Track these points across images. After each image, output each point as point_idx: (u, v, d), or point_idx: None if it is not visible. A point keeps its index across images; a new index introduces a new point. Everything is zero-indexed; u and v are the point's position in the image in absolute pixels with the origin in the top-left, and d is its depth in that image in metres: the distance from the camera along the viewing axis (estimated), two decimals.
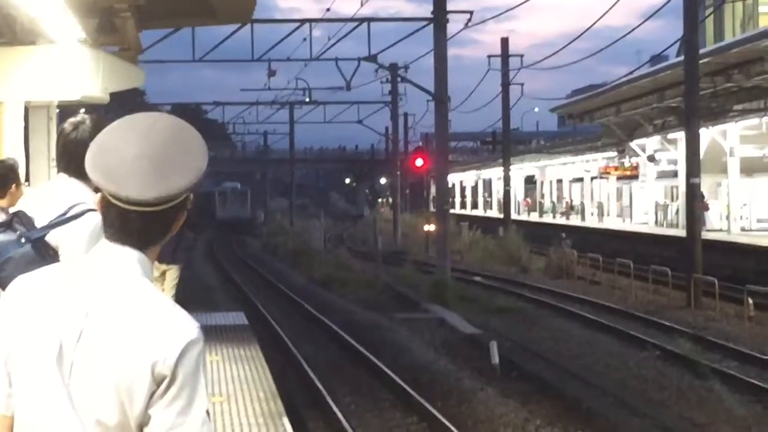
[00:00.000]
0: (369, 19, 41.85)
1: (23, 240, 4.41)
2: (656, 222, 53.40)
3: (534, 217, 75.73)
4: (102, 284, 2.47)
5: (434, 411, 15.87)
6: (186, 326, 2.44)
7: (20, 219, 4.49)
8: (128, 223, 2.48)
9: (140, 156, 2.44)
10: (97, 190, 2.53)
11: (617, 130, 56.58)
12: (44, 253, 4.39)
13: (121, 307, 2.44)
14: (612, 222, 60.62)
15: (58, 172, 4.73)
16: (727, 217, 45.09)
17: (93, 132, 4.54)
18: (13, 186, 6.25)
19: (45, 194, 4.74)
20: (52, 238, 4.44)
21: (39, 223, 4.48)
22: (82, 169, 4.54)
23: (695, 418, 16.50)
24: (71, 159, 4.60)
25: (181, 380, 2.40)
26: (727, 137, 44.10)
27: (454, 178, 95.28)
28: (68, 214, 4.46)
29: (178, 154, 2.48)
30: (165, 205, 2.48)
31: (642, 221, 55.92)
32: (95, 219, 4.40)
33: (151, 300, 2.47)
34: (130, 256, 2.50)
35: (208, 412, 2.45)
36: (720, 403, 17.39)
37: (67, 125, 4.67)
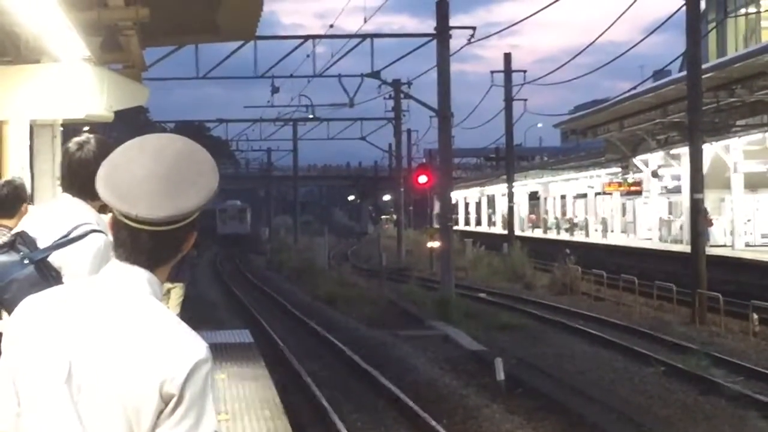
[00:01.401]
0: (372, 36, 41.98)
1: (26, 261, 4.39)
2: (660, 238, 53.37)
3: (538, 233, 75.70)
4: (112, 303, 2.47)
5: (439, 428, 15.83)
6: (194, 346, 2.44)
7: (23, 239, 4.47)
8: (139, 243, 2.49)
9: (151, 176, 2.45)
10: (102, 210, 2.53)
11: (621, 145, 56.59)
12: (47, 275, 4.37)
13: (130, 326, 2.44)
14: (616, 238, 60.57)
15: (63, 191, 4.71)
16: (731, 233, 45.06)
17: (97, 152, 4.53)
18: (24, 206, 6.25)
19: (48, 214, 4.70)
20: (55, 259, 4.42)
21: (42, 243, 4.46)
22: (86, 188, 4.57)
23: None
24: (75, 178, 4.59)
25: (189, 400, 2.40)
26: (731, 152, 44.09)
27: (457, 195, 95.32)
28: (71, 235, 4.44)
29: (188, 174, 2.49)
30: (175, 225, 2.48)
31: (646, 237, 55.88)
32: (99, 240, 4.39)
33: (160, 320, 2.47)
34: (139, 276, 2.50)
35: None
36: (725, 419, 17.35)
37: (72, 145, 4.65)
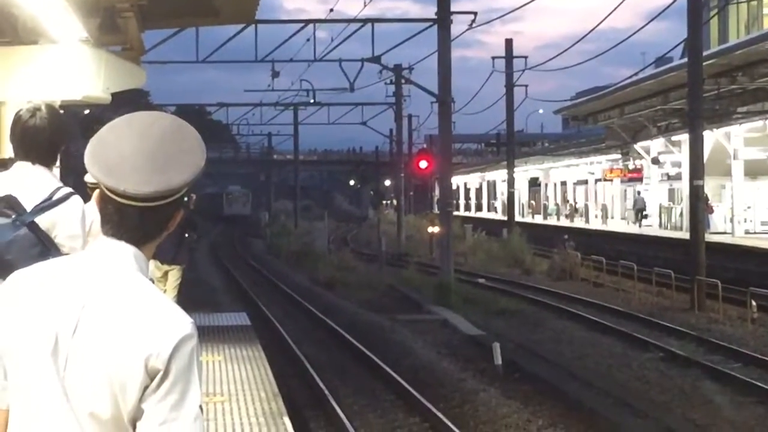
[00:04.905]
0: (373, 20, 41.79)
1: (18, 223, 4.41)
2: (660, 224, 53.34)
3: (538, 219, 75.68)
4: (98, 278, 2.47)
5: (437, 412, 15.87)
6: (180, 321, 2.44)
7: (8, 203, 4.48)
8: (125, 219, 2.49)
9: (139, 152, 2.46)
10: (89, 188, 2.52)
11: (621, 132, 56.55)
12: (40, 236, 4.40)
13: (116, 301, 2.44)
14: (616, 224, 60.52)
15: (20, 160, 4.69)
16: (731, 220, 45.04)
17: (49, 119, 4.58)
18: None
19: (13, 183, 4.67)
20: (41, 221, 4.45)
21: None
22: (43, 156, 4.60)
23: (698, 420, 16.48)
24: (31, 147, 4.61)
25: (174, 375, 2.40)
26: (731, 139, 44.03)
27: (458, 180, 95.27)
28: (54, 198, 4.48)
29: (176, 151, 2.49)
30: (162, 201, 2.49)
31: (646, 223, 55.84)
32: (81, 200, 4.45)
33: (146, 295, 2.47)
34: (126, 251, 2.51)
35: (201, 407, 2.45)
36: (723, 405, 17.37)
37: (24, 112, 4.67)
